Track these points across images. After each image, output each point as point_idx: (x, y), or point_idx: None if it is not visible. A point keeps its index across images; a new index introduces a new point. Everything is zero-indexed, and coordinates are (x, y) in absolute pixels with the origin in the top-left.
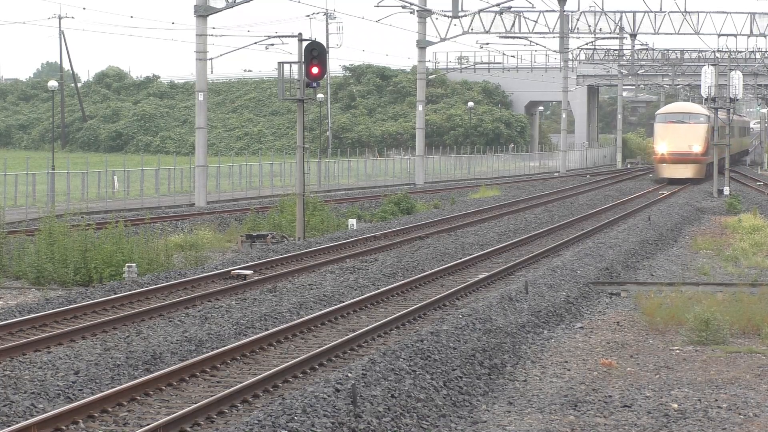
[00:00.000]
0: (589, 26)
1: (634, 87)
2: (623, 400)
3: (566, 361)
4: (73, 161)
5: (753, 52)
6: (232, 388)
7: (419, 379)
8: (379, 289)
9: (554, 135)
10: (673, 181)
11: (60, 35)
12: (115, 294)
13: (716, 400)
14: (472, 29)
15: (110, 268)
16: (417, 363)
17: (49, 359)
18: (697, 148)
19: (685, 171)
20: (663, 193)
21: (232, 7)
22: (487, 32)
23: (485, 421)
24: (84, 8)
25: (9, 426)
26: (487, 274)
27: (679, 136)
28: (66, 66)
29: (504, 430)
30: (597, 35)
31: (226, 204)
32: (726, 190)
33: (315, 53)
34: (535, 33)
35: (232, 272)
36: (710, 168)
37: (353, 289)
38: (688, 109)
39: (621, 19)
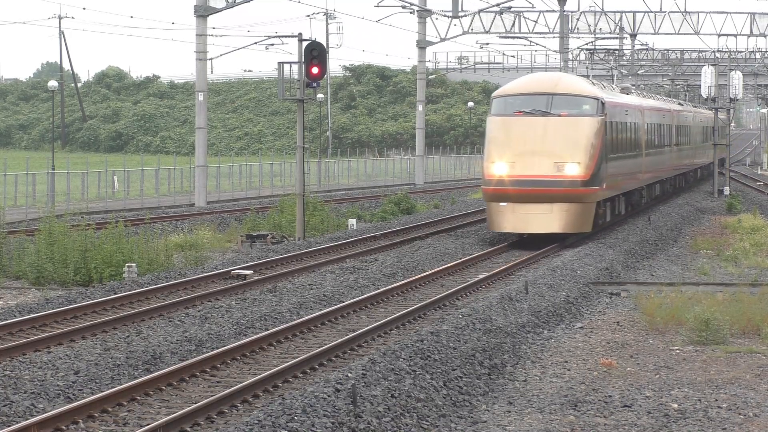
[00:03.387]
0: (589, 26)
1: (634, 87)
2: (623, 400)
3: (566, 361)
4: (73, 161)
5: (753, 52)
6: (232, 388)
7: (419, 379)
8: (379, 289)
9: None
10: (525, 239)
11: (60, 35)
12: (115, 294)
13: (716, 400)
14: (472, 29)
15: (110, 268)
16: (417, 363)
17: (49, 359)
18: (574, 168)
19: (549, 219)
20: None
21: (232, 7)
22: (487, 32)
23: (485, 421)
24: (84, 8)
25: (9, 426)
26: (487, 274)
27: (535, 144)
28: (66, 66)
29: (504, 430)
30: (597, 35)
31: (226, 204)
32: (726, 190)
33: (315, 53)
34: (535, 33)
35: (232, 272)
36: (613, 206)
37: (353, 289)
38: (558, 86)
39: (621, 19)
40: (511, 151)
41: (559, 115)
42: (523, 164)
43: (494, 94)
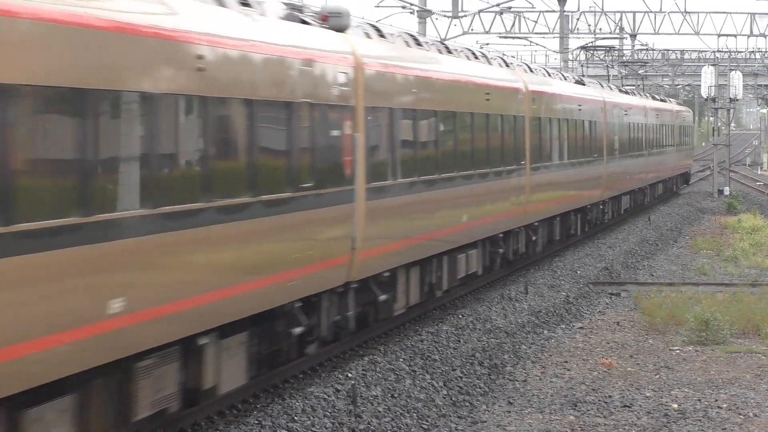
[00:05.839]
0: (589, 26)
1: (634, 87)
2: (623, 400)
3: (566, 361)
4: None
5: (753, 52)
6: (232, 388)
7: (419, 379)
8: None
9: None
10: None
11: None
12: None
13: (716, 400)
14: (472, 29)
15: None
16: (417, 363)
17: None
18: None
19: None
20: None
21: None
22: (487, 32)
23: (485, 421)
24: None
25: None
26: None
27: None
28: None
29: (504, 430)
30: (597, 35)
31: None
32: (726, 190)
33: None
34: (535, 33)
35: None
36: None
37: None
38: None
39: (621, 19)
40: None
41: None
42: None
43: None
